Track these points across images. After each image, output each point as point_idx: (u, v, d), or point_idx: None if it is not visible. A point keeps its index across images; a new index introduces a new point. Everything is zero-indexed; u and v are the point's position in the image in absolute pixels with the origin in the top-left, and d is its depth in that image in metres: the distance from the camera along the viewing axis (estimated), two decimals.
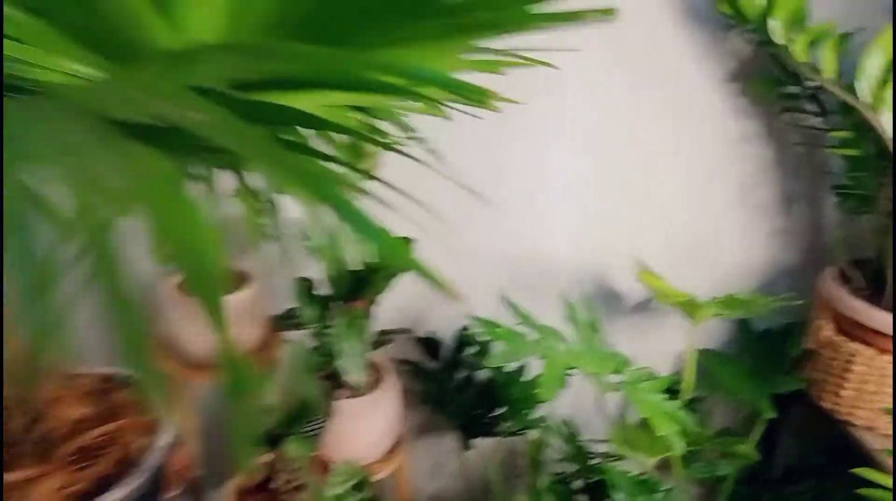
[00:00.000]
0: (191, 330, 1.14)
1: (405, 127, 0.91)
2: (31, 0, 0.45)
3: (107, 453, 0.88)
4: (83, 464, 0.86)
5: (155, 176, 0.34)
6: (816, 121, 1.18)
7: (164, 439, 0.92)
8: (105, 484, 0.83)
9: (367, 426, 1.13)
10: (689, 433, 1.06)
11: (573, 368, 0.97)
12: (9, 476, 0.81)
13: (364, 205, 0.31)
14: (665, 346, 1.37)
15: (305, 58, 0.38)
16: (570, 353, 1.00)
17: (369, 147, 1.06)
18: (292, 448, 0.91)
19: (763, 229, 1.32)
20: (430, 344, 1.33)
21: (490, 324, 0.97)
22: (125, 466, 0.87)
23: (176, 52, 0.45)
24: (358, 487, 0.88)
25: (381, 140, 0.94)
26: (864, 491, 0.92)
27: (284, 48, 0.39)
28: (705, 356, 1.32)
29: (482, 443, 1.36)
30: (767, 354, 1.27)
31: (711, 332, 1.38)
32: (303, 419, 1.02)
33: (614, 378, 1.05)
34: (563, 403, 1.37)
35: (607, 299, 1.34)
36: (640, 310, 1.34)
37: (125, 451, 0.89)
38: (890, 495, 0.91)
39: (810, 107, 1.17)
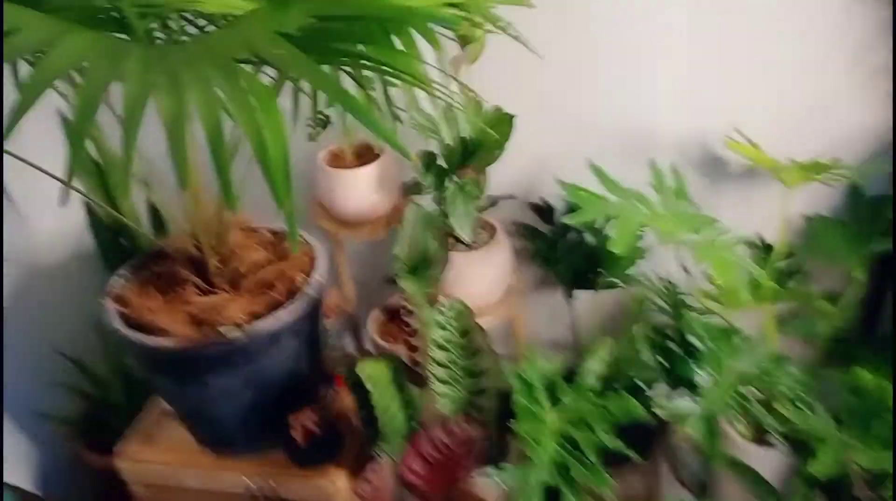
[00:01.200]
0: (341, 195, 1.40)
1: (493, 18, 1.04)
2: None
3: (277, 286, 1.18)
4: (260, 293, 1.16)
5: (253, 93, 0.55)
6: None
7: (318, 276, 1.20)
8: (276, 308, 1.14)
9: (477, 275, 1.35)
10: (767, 287, 1.16)
11: (647, 227, 1.10)
12: (210, 299, 1.13)
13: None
14: (772, 213, 1.41)
15: None
16: (648, 214, 1.12)
17: (473, 34, 1.20)
18: (411, 288, 1.15)
19: (882, 91, 1.28)
20: (543, 209, 1.49)
21: (572, 188, 1.12)
22: (291, 296, 1.16)
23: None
24: (458, 318, 1.11)
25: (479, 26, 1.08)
26: None
27: None
28: (811, 222, 1.36)
29: (591, 297, 1.53)
30: (872, 218, 1.28)
31: (827, 199, 1.40)
32: (423, 266, 1.26)
33: (695, 238, 1.16)
34: (669, 262, 1.48)
35: (714, 167, 1.41)
36: (748, 177, 1.39)
37: (290, 285, 1.18)
38: None
39: None
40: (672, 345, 1.30)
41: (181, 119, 0.48)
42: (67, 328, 1.52)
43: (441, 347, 1.13)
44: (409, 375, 1.20)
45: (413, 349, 1.18)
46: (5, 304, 1.40)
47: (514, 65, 1.27)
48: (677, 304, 1.35)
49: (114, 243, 1.45)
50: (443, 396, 1.17)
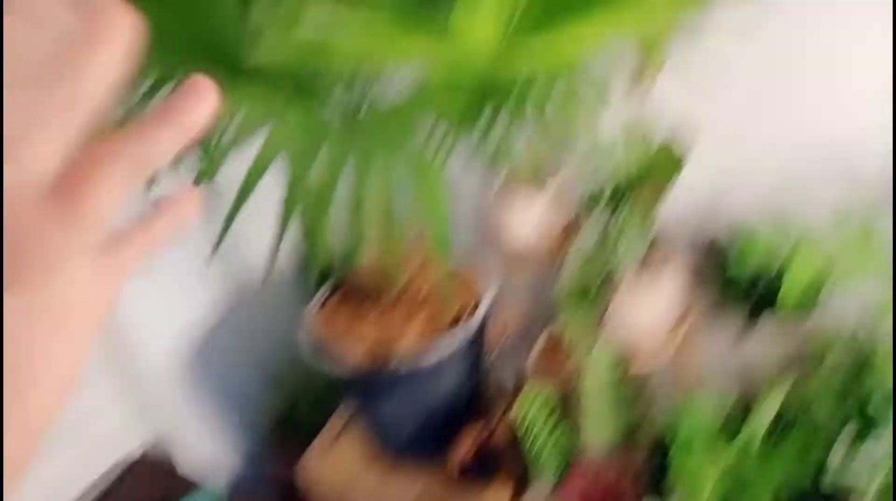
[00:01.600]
0: (510, 221, 1.47)
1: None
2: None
3: (448, 313, 1.27)
4: (433, 320, 1.26)
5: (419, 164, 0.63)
6: None
7: (485, 306, 1.28)
8: (446, 334, 1.23)
9: (645, 303, 1.34)
10: None
11: (831, 274, 1.04)
12: (388, 324, 1.24)
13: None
14: None
15: None
16: (830, 255, 1.06)
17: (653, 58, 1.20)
18: (574, 319, 1.18)
19: None
20: (716, 247, 1.45)
21: (743, 226, 1.08)
22: (460, 322, 1.25)
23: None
24: (618, 353, 1.12)
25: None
26: None
27: None
28: None
29: (770, 330, 1.45)
30: None
31: None
32: (588, 292, 1.28)
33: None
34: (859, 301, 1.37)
35: None
36: None
37: (460, 312, 1.27)
38: None
39: None
40: (857, 397, 1.21)
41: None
42: (271, 337, 1.73)
43: (599, 381, 1.15)
44: (567, 405, 1.23)
45: (572, 380, 1.21)
46: (222, 315, 1.63)
47: (697, 81, 1.24)
48: (866, 350, 1.25)
49: (312, 266, 1.62)
50: (599, 429, 1.19)
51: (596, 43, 0.85)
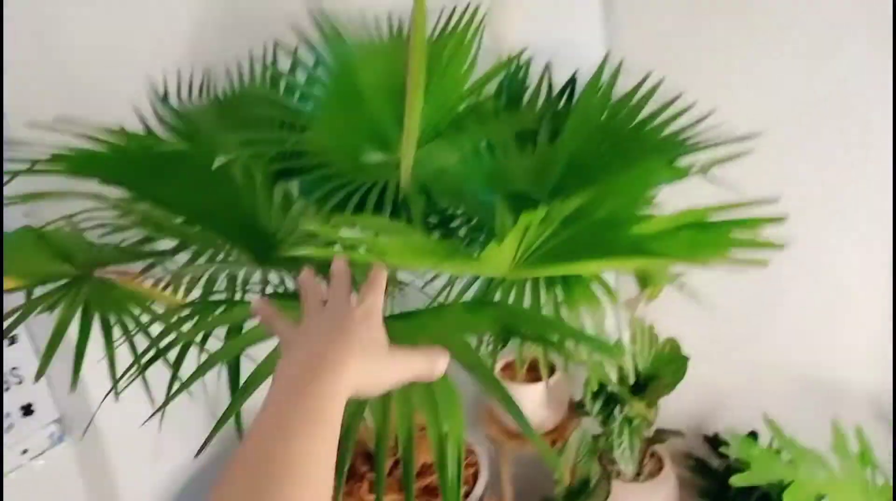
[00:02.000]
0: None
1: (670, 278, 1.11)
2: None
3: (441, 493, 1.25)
4: (427, 498, 1.24)
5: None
6: None
7: (480, 488, 1.26)
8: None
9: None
10: None
11: (825, 496, 1.04)
12: (391, 484, 1.22)
13: None
14: None
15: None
16: (826, 481, 1.06)
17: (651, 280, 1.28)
18: None
19: None
20: (715, 444, 1.45)
21: (744, 442, 1.10)
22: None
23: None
24: None
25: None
26: None
27: None
28: None
29: None
30: None
31: None
32: (582, 493, 1.27)
33: None
34: None
35: None
36: None
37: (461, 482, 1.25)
38: None
39: None
40: None
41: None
42: None
43: None
44: None
45: None
46: (208, 462, 1.60)
47: (693, 303, 1.31)
48: None
49: None
50: None
51: (599, 273, 0.93)
